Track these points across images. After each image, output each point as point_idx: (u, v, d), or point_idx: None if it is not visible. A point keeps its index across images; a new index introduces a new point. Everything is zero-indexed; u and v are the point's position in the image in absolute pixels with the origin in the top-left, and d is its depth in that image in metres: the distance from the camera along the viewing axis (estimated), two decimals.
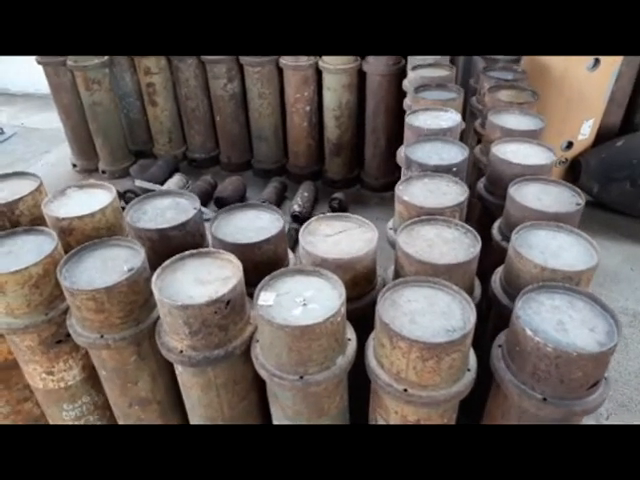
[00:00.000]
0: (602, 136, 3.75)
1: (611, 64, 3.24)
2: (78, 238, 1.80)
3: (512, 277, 1.64)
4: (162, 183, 4.05)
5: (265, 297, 1.44)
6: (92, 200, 1.91)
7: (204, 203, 3.92)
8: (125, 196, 3.86)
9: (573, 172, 3.64)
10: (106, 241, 1.69)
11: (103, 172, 4.45)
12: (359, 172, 4.21)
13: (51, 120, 5.50)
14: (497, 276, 1.77)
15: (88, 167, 4.52)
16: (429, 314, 1.40)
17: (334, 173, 4.17)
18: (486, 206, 2.21)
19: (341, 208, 3.84)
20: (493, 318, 1.79)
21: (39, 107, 5.95)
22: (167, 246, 1.75)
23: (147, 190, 3.88)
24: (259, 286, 1.46)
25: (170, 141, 4.50)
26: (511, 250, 1.63)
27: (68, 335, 1.71)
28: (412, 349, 1.29)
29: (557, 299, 1.44)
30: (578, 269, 1.52)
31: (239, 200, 4.00)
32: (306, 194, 3.90)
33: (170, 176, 4.18)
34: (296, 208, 3.74)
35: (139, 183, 3.83)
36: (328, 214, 1.81)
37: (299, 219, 3.72)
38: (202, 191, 3.99)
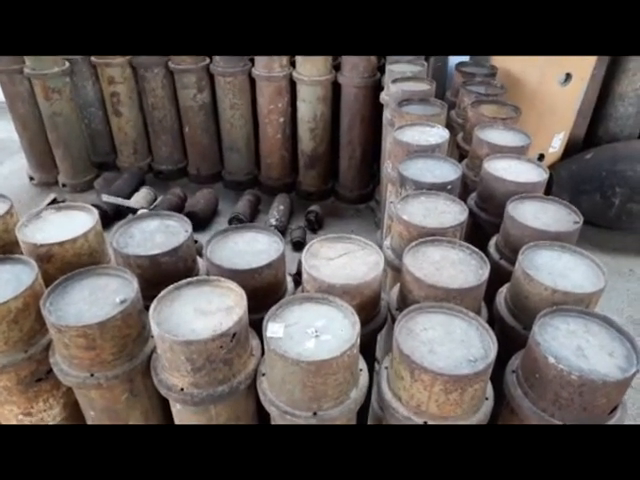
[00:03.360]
0: (569, 147, 3.85)
1: (581, 79, 3.32)
2: (58, 266, 1.66)
3: (520, 299, 1.61)
4: (128, 197, 3.86)
5: (274, 329, 1.35)
6: (71, 223, 1.77)
7: None
8: None
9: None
10: (93, 270, 1.56)
11: (64, 185, 4.21)
12: (334, 184, 4.16)
13: (3, 129, 5.19)
14: (502, 297, 1.74)
15: (47, 180, 4.27)
16: (448, 343, 1.35)
17: (308, 185, 4.10)
18: (478, 223, 2.19)
19: (317, 221, 3.79)
20: (498, 339, 1.76)
21: None
22: (158, 273, 1.64)
23: (115, 205, 3.71)
24: (267, 317, 1.38)
25: (135, 152, 4.32)
26: (519, 271, 1.60)
27: (49, 372, 1.57)
28: (436, 382, 1.24)
29: (572, 323, 1.42)
30: (589, 291, 1.51)
31: (211, 214, 3.88)
32: (282, 207, 3.81)
33: (136, 189, 4.00)
34: (273, 222, 3.64)
35: (106, 198, 3.64)
36: (329, 235, 1.74)
37: None
38: (172, 205, 3.83)
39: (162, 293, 1.45)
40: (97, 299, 1.47)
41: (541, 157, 3.64)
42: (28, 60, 3.69)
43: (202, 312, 1.41)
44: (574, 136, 3.94)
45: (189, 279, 1.50)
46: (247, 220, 3.72)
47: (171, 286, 1.47)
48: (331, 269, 1.61)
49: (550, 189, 3.63)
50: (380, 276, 1.61)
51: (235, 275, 1.56)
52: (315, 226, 3.77)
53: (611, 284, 3.34)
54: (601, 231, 3.75)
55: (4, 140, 5.05)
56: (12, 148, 4.78)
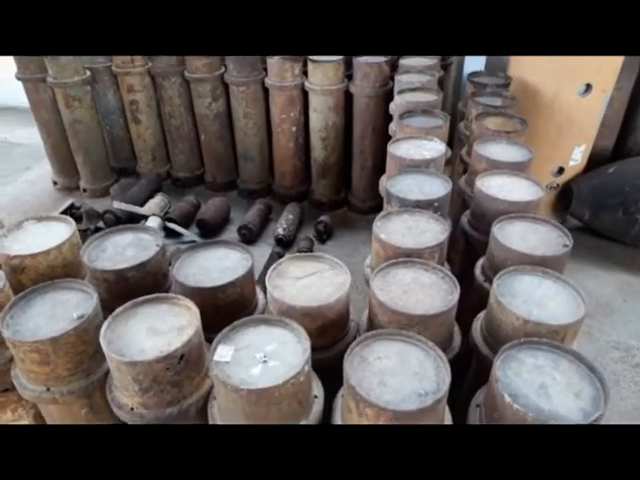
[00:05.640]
0: (595, 159, 3.67)
1: (602, 90, 3.15)
2: (31, 277, 1.68)
3: (493, 327, 1.52)
4: (143, 203, 3.92)
5: (222, 352, 1.32)
6: (50, 235, 1.79)
7: (186, 225, 3.81)
8: (104, 217, 3.74)
9: (565, 198, 3.55)
10: (57, 283, 1.57)
11: (84, 190, 4.33)
12: (346, 194, 4.10)
13: (35, 135, 5.37)
14: (478, 323, 1.65)
15: (69, 185, 4.40)
16: (400, 374, 1.28)
17: (321, 195, 4.06)
18: (470, 242, 2.10)
19: (326, 231, 3.74)
20: (474, 368, 1.67)
21: (24, 121, 5.81)
22: (125, 288, 1.63)
23: (127, 211, 3.77)
24: (216, 339, 1.34)
25: (154, 159, 4.39)
26: (492, 298, 1.52)
27: None
28: (380, 417, 1.17)
29: (540, 357, 1.32)
30: (564, 322, 1.41)
31: (222, 222, 3.89)
32: (291, 216, 3.78)
33: (152, 196, 4.06)
34: (280, 231, 3.62)
35: (117, 205, 3.71)
36: (301, 254, 1.70)
37: (283, 242, 3.61)
38: (184, 212, 3.87)
39: (118, 310, 1.44)
40: (56, 314, 1.48)
41: (561, 170, 3.47)
42: (50, 69, 3.81)
43: (154, 331, 1.40)
44: (600, 148, 3.75)
45: (147, 296, 1.48)
46: (256, 229, 3.72)
47: (128, 303, 1.46)
48: (296, 289, 1.57)
49: (569, 203, 3.47)
50: (345, 297, 1.55)
51: (197, 293, 1.54)
52: (324, 236, 3.72)
53: (632, 305, 3.17)
54: (627, 248, 3.54)
55: (36, 145, 5.22)
56: (42, 153, 4.93)
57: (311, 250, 3.53)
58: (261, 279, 2.90)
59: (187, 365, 1.35)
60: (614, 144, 3.94)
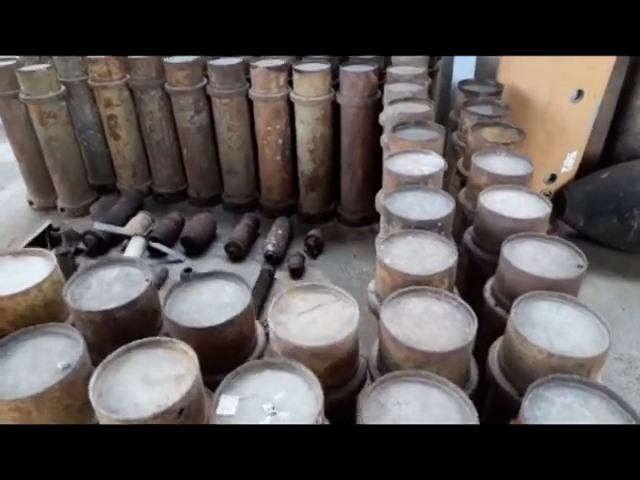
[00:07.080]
0: (585, 165, 3.63)
1: (594, 95, 3.11)
2: (9, 319, 1.54)
3: (513, 359, 1.43)
4: (125, 222, 3.77)
5: (225, 404, 1.20)
6: (28, 272, 1.65)
7: (170, 243, 3.67)
8: (84, 238, 3.58)
9: (557, 205, 3.49)
10: (39, 329, 1.43)
11: (62, 210, 4.15)
12: (336, 206, 4.00)
13: (8, 152, 5.16)
14: (495, 353, 1.56)
15: (46, 205, 4.22)
16: (422, 422, 1.17)
17: (310, 207, 3.95)
18: (475, 261, 2.01)
19: (317, 246, 3.63)
20: (491, 400, 1.58)
21: None
22: (113, 329, 1.50)
23: (109, 232, 3.61)
24: (218, 389, 1.22)
25: (134, 175, 4.23)
26: (511, 328, 1.42)
27: None
28: None
29: (569, 395, 1.23)
30: (590, 355, 1.32)
31: (208, 239, 3.76)
32: (280, 231, 3.66)
33: (134, 214, 3.90)
34: (270, 248, 3.49)
35: (98, 226, 3.55)
36: (303, 284, 1.58)
37: (273, 259, 3.49)
38: (168, 230, 3.73)
39: (109, 357, 1.31)
40: (38, 364, 1.34)
41: (553, 177, 3.42)
42: (23, 85, 3.64)
43: (149, 381, 1.27)
44: (590, 154, 3.71)
45: (141, 341, 1.35)
46: (244, 246, 3.59)
47: (120, 348, 1.33)
48: (300, 326, 1.46)
49: (563, 210, 3.42)
50: (355, 333, 1.44)
51: (193, 333, 1.42)
52: (315, 251, 3.61)
53: (630, 313, 3.12)
54: (622, 255, 3.51)
55: (9, 163, 5.02)
56: (15, 171, 4.73)
57: (302, 266, 3.43)
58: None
59: (187, 419, 1.22)
60: (602, 148, 3.92)
